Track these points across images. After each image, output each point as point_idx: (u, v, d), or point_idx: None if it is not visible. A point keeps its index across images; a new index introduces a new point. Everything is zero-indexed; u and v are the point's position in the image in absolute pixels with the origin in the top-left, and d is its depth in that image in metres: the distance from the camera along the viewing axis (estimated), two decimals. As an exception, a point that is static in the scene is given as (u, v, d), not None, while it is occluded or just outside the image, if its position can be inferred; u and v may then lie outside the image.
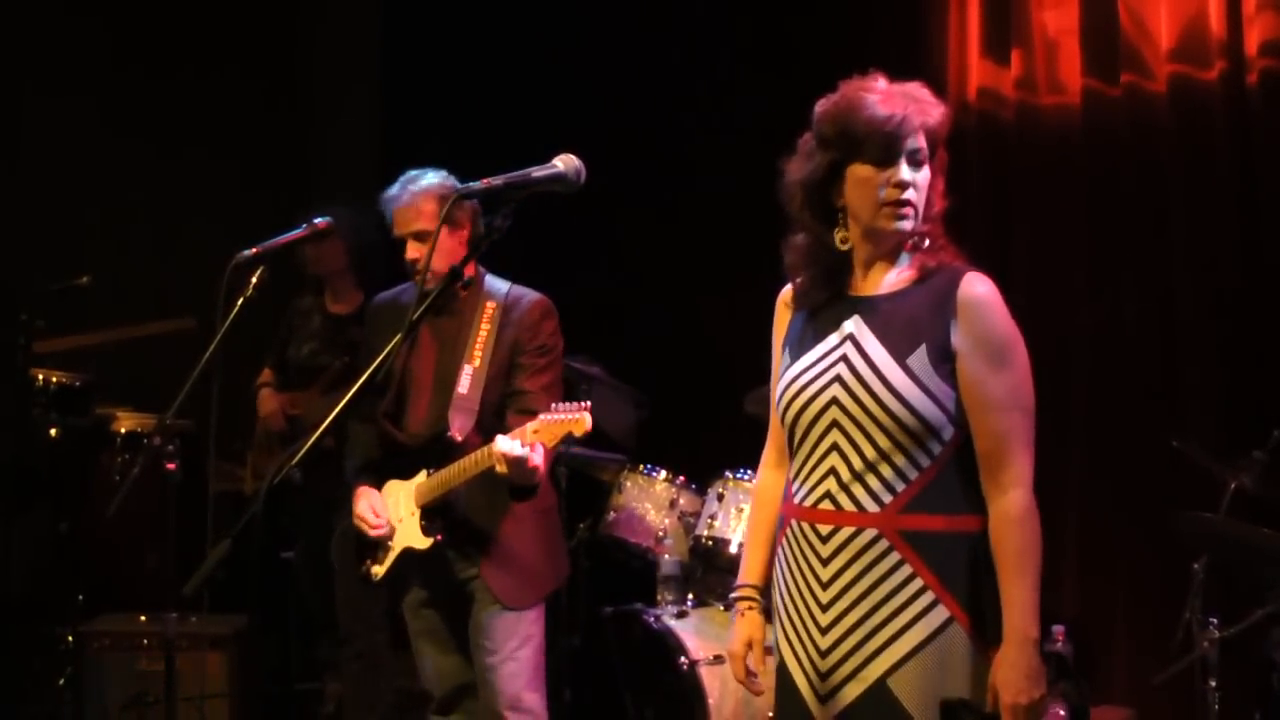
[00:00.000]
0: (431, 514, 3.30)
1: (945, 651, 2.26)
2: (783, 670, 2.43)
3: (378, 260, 4.59)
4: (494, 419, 3.29)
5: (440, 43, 5.96)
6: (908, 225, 2.32)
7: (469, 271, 3.37)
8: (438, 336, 3.41)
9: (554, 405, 3.06)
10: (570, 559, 3.79)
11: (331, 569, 4.35)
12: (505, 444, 3.02)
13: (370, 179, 5.91)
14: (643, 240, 5.41)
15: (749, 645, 2.53)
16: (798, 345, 2.43)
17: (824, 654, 2.33)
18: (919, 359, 2.28)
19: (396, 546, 3.36)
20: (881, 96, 2.31)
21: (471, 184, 2.65)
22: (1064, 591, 4.36)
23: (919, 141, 2.30)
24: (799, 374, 2.39)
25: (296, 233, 3.41)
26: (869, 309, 2.35)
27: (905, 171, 2.29)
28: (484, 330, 3.34)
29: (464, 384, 3.29)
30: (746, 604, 2.55)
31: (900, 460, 2.28)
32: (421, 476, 3.32)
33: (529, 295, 3.42)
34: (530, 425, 3.03)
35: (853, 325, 2.35)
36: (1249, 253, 4.11)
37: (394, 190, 3.41)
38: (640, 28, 5.47)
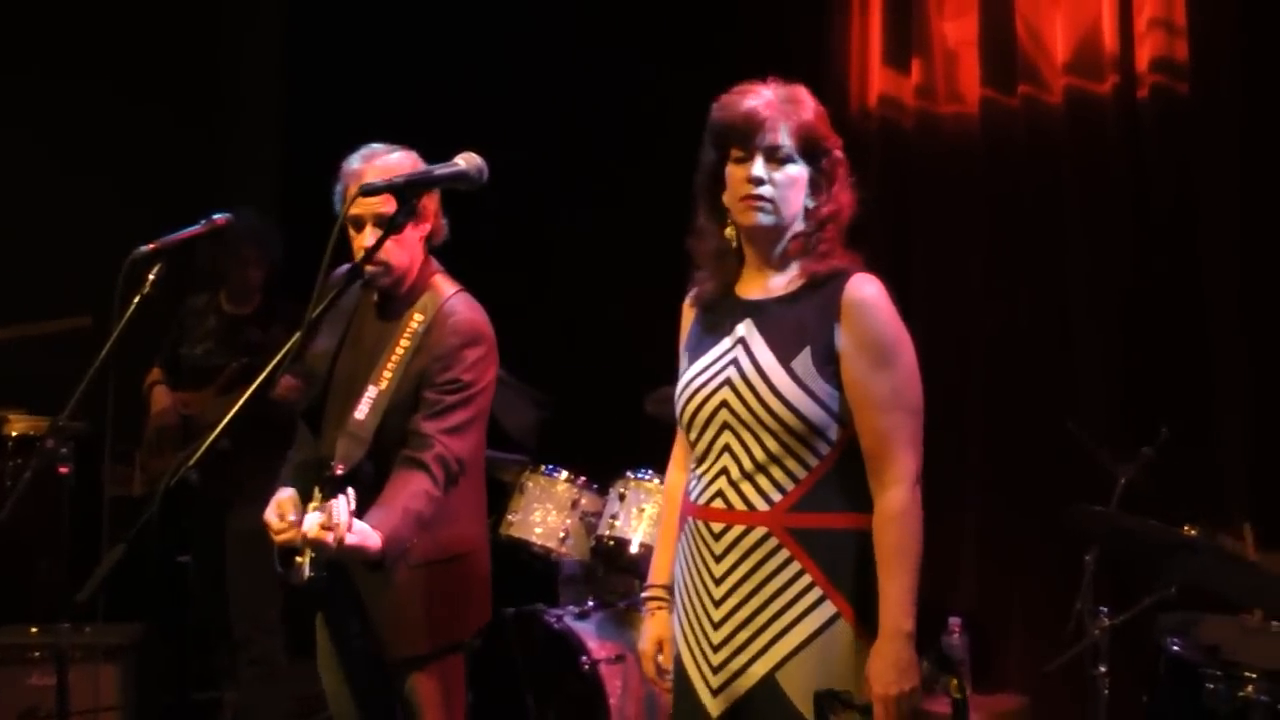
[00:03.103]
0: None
1: (831, 646, 2.31)
2: (679, 665, 2.47)
3: (280, 260, 4.53)
4: (392, 451, 2.90)
5: (345, 46, 5.91)
6: (764, 220, 2.35)
7: (412, 271, 3.01)
8: (367, 342, 3.03)
9: (350, 504, 2.62)
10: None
11: (225, 573, 4.28)
12: (309, 522, 2.63)
13: (273, 175, 5.88)
14: (546, 239, 5.41)
15: (659, 644, 2.56)
16: (695, 349, 2.49)
17: (716, 649, 2.37)
18: (803, 362, 2.32)
19: (304, 558, 2.86)
20: (752, 96, 2.36)
21: (375, 181, 2.63)
22: (961, 584, 4.45)
23: (779, 139, 2.33)
24: (694, 377, 2.44)
25: (194, 229, 3.33)
26: (760, 313, 2.40)
27: (758, 166, 2.33)
28: (401, 348, 2.94)
29: (362, 409, 2.90)
30: (656, 604, 2.58)
31: (788, 461, 2.33)
32: (317, 497, 2.77)
33: (458, 314, 2.96)
34: (324, 516, 2.61)
35: (744, 329, 2.40)
36: (1141, 257, 4.22)
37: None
38: (548, 30, 5.48)
